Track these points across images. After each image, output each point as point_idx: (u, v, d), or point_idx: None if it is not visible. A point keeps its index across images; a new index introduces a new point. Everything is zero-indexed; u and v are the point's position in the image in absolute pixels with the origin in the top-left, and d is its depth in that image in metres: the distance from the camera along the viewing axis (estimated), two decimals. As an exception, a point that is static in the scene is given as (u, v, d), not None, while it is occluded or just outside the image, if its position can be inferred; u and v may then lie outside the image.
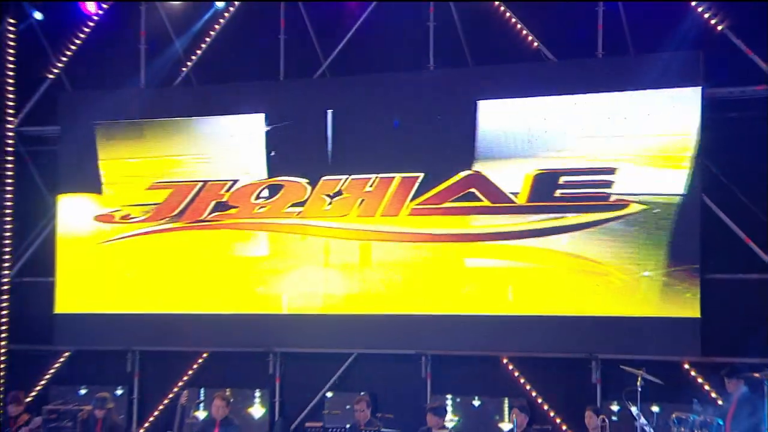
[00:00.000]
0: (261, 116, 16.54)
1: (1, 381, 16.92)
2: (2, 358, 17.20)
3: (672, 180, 14.37)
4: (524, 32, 15.13)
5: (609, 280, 14.92)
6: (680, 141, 14.42)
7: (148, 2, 17.09)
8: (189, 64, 16.73)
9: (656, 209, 14.41)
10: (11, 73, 17.41)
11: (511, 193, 15.24)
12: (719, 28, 14.37)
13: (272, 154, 16.63)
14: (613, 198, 14.80)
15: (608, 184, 14.91)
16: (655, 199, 14.43)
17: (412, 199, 15.60)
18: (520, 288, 15.35)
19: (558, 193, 15.26)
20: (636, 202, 14.57)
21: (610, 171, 14.88)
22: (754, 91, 14.13)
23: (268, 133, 16.48)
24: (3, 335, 17.00)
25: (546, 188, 15.43)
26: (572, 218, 15.20)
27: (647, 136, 14.62)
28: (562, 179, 15.33)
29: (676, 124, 14.39)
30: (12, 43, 17.44)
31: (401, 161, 15.71)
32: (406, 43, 15.97)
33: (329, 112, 16.10)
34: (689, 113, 14.24)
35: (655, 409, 13.40)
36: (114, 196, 16.85)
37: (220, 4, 16.50)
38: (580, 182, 15.16)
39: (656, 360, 13.78)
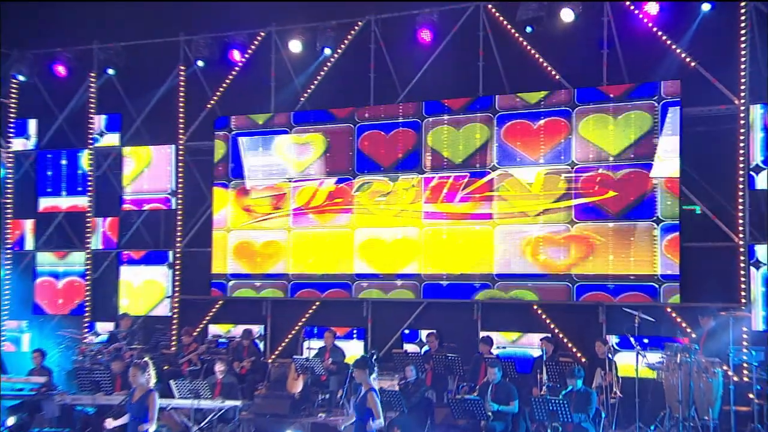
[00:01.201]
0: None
1: (176, 320, 17.86)
2: (177, 305, 18.09)
3: (659, 170, 14.90)
4: (548, 68, 15.74)
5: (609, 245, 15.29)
6: (667, 143, 14.91)
7: (276, 55, 17.70)
8: (305, 95, 17.41)
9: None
10: (182, 105, 18.24)
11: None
12: (692, 64, 14.95)
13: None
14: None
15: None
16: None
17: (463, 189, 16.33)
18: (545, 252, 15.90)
19: (561, 185, 15.76)
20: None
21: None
22: (718, 110, 14.82)
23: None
24: (176, 290, 18.03)
25: (552, 183, 15.87)
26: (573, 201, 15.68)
27: (643, 140, 15.16)
28: (563, 176, 15.77)
29: (664, 133, 14.95)
30: (182, 83, 18.23)
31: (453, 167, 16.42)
32: (462, 77, 16.51)
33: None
34: (672, 126, 14.89)
35: (646, 341, 14.16)
36: (251, 190, 17.68)
37: (327, 51, 17.10)
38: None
39: (648, 304, 14.45)
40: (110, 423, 10.55)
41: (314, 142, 17.37)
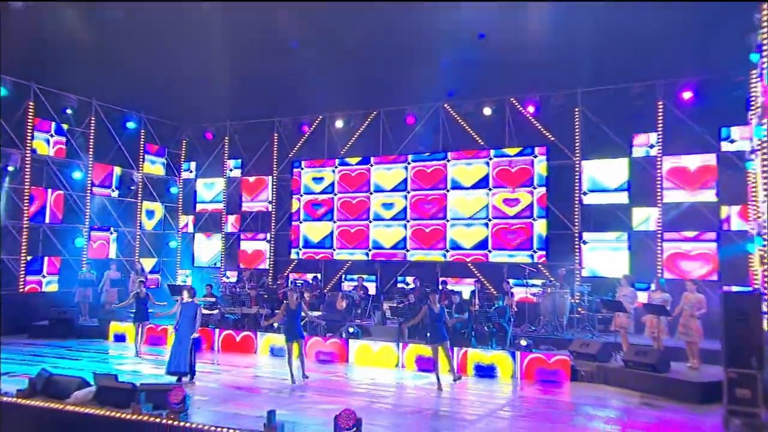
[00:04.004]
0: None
1: (272, 271, 18.66)
2: (272, 262, 18.85)
3: (537, 192, 15.47)
4: (477, 138, 16.30)
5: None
6: (539, 179, 15.38)
7: (328, 128, 18.16)
8: (344, 150, 18.10)
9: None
10: (275, 154, 18.90)
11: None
12: (551, 138, 15.26)
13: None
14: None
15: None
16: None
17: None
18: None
19: (484, 201, 15.98)
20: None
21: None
22: (566, 162, 15.27)
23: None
24: (272, 254, 18.80)
25: (479, 199, 16.06)
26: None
27: (527, 177, 15.61)
28: (485, 195, 16.00)
29: (537, 173, 15.42)
30: (276, 142, 18.77)
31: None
32: (432, 143, 16.81)
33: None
34: (540, 169, 15.34)
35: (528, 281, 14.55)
36: (311, 201, 18.29)
37: (357, 128, 17.73)
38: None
39: (529, 263, 14.77)
40: (265, 322, 11.60)
41: (349, 174, 17.86)
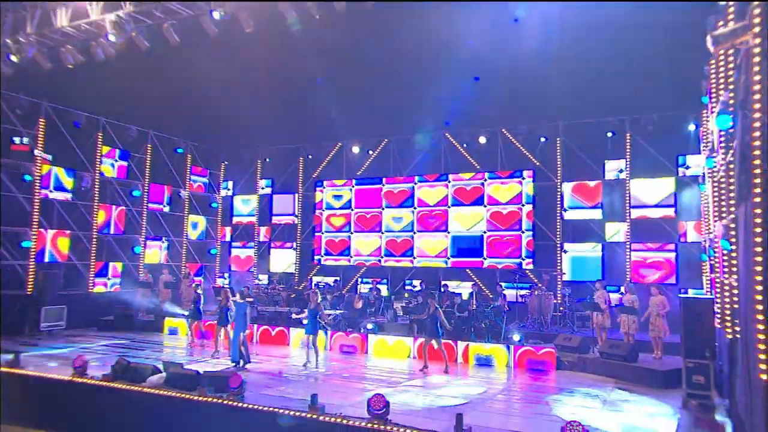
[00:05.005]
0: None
1: (297, 274, 18.52)
2: (297, 267, 18.70)
3: (524, 209, 15.49)
4: (474, 162, 16.44)
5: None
6: (526, 197, 15.53)
7: (345, 153, 18.15)
8: (360, 171, 18.04)
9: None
10: (300, 175, 18.83)
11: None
12: (537, 162, 15.36)
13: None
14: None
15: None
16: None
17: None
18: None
19: (481, 215, 16.00)
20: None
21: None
22: (549, 183, 15.31)
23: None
24: (297, 260, 18.71)
25: (475, 214, 16.09)
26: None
27: (516, 195, 15.63)
28: (481, 210, 16.08)
29: (524, 193, 15.53)
30: (301, 166, 18.60)
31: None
32: (435, 167, 16.89)
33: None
34: (527, 190, 15.53)
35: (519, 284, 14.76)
36: (332, 215, 18.33)
37: (370, 152, 17.83)
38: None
39: (517, 269, 15.00)
40: (295, 315, 12.05)
41: (364, 192, 17.97)
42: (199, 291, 12.65)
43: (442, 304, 12.52)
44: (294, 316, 12.69)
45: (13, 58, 9.82)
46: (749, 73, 5.08)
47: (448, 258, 16.75)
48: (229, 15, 8.75)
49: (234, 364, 9.75)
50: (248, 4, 8.70)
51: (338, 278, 17.53)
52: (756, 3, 4.99)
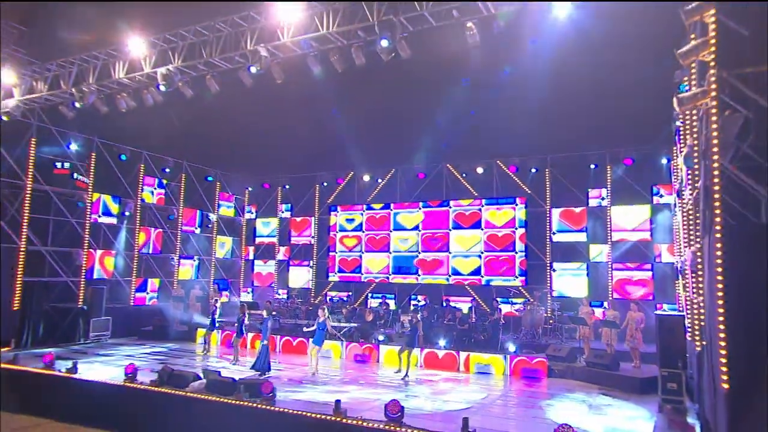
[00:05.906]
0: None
1: (313, 290, 18.47)
2: (313, 284, 18.51)
3: (518, 232, 15.55)
4: (472, 190, 16.64)
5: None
6: (519, 221, 15.57)
7: (356, 181, 18.15)
8: (370, 197, 18.15)
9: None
10: (317, 201, 18.93)
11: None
12: (528, 191, 15.40)
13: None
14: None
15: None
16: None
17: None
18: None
19: (479, 238, 15.94)
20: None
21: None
22: (539, 210, 15.43)
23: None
24: (313, 278, 18.64)
25: (473, 237, 15.97)
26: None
27: (510, 219, 15.64)
28: (479, 234, 16.02)
29: (517, 217, 15.56)
30: (317, 193, 18.64)
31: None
32: (437, 194, 16.83)
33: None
34: (520, 214, 15.55)
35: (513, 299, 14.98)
36: (344, 237, 18.41)
37: (379, 180, 17.81)
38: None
39: (512, 285, 15.05)
40: (305, 329, 11.77)
41: (374, 217, 18.06)
42: (218, 305, 12.80)
43: (444, 317, 12.83)
44: (305, 329, 12.66)
45: (77, 104, 10.22)
46: (709, 129, 5.50)
47: (449, 275, 16.81)
48: (264, 69, 9.09)
49: (258, 372, 9.57)
50: (283, 59, 9.02)
51: (350, 293, 17.64)
52: (712, 72, 5.40)
